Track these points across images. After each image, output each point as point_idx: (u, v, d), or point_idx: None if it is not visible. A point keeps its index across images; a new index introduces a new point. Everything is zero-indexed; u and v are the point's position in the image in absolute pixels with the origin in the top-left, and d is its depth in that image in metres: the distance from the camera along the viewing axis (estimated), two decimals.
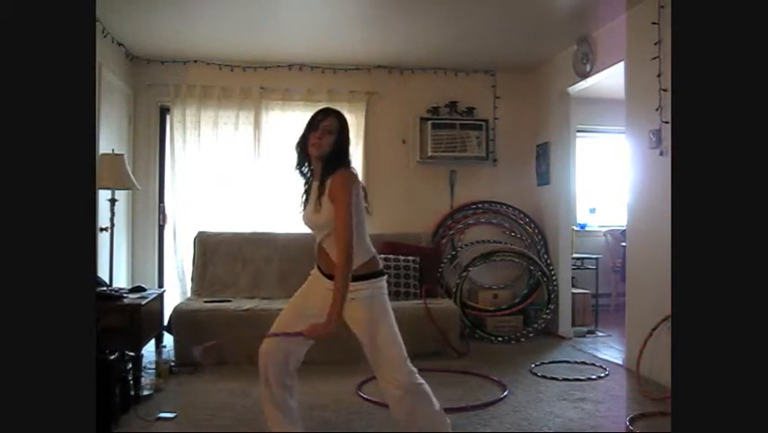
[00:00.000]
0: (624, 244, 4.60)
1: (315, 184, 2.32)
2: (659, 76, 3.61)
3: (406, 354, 2.26)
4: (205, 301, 4.28)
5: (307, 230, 4.95)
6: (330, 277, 2.27)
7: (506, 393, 3.33)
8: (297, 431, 2.41)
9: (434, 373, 3.24)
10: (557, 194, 5.16)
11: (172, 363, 3.83)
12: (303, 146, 2.35)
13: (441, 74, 5.40)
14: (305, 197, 2.40)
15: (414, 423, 2.27)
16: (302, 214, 2.40)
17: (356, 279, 2.22)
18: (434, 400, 2.28)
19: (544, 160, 5.34)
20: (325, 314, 2.14)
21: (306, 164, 2.39)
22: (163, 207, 5.17)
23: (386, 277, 2.37)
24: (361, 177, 5.64)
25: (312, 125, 2.30)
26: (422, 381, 2.26)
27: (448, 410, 2.83)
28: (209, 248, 4.73)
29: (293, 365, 2.42)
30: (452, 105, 5.37)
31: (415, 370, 2.26)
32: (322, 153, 2.27)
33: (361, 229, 2.27)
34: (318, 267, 2.41)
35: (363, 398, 3.23)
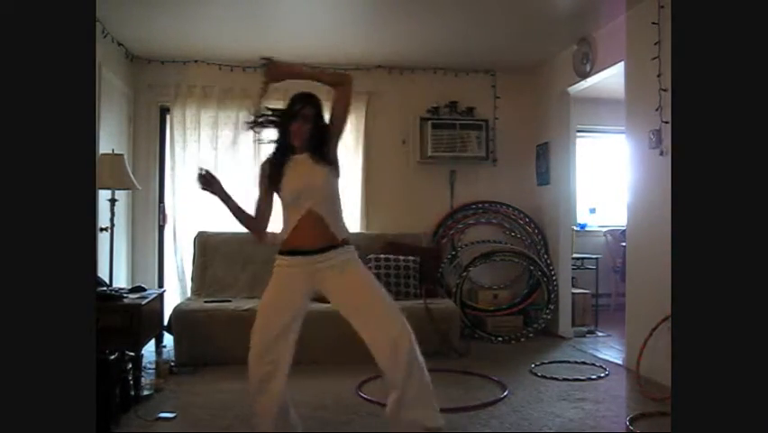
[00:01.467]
0: (624, 244, 4.60)
1: (304, 156, 2.36)
2: (659, 76, 3.61)
3: None
4: (205, 301, 4.29)
5: None
6: (318, 251, 2.30)
7: (506, 393, 3.33)
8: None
9: (435, 373, 3.22)
10: (557, 194, 5.16)
11: (172, 363, 3.83)
12: (285, 136, 2.41)
13: (441, 74, 5.40)
14: (276, 170, 2.39)
15: (412, 375, 2.23)
16: (286, 186, 2.35)
17: (338, 246, 2.32)
18: None
19: (544, 160, 5.34)
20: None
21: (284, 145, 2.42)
22: (163, 207, 5.17)
23: None
24: (360, 177, 5.61)
25: (289, 115, 2.40)
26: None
27: (448, 410, 2.84)
28: (209, 248, 4.73)
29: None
30: (452, 105, 5.37)
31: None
32: (303, 143, 2.37)
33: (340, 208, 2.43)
34: (295, 252, 2.33)
35: (363, 398, 3.23)
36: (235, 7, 3.93)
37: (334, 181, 2.40)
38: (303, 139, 2.36)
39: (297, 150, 2.38)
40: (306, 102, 2.41)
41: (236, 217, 2.50)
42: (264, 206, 2.49)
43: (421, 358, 2.27)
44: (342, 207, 2.48)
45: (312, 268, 2.32)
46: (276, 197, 2.46)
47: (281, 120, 2.42)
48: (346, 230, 2.42)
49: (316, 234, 2.31)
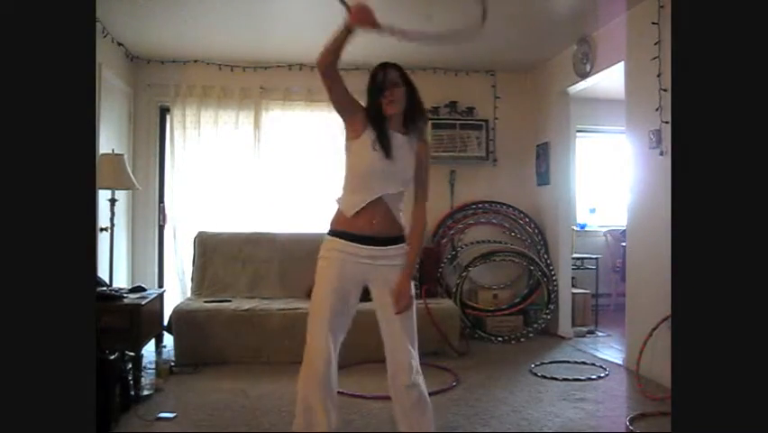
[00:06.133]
0: (624, 244, 4.60)
1: (398, 135, 2.21)
2: (659, 76, 3.61)
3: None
4: (205, 301, 4.29)
5: (306, 230, 4.97)
6: (377, 241, 2.17)
7: (454, 383, 3.48)
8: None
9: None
10: (557, 194, 5.16)
11: (172, 363, 3.83)
12: (377, 110, 2.22)
13: (441, 74, 5.40)
14: (376, 142, 2.17)
15: (416, 408, 2.20)
16: (378, 159, 2.15)
17: (401, 240, 2.24)
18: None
19: (544, 160, 5.34)
20: (394, 284, 2.15)
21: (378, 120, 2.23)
22: (163, 207, 5.17)
23: None
24: None
25: (376, 85, 2.24)
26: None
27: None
28: (209, 248, 4.73)
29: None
30: (452, 105, 5.37)
31: None
32: (399, 110, 2.22)
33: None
34: (355, 236, 2.18)
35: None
36: (235, 7, 3.93)
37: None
38: (399, 106, 2.20)
39: (391, 123, 2.22)
40: (387, 68, 2.26)
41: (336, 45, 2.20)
42: (343, 91, 2.29)
43: (425, 389, 2.23)
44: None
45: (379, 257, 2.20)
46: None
47: (369, 96, 2.27)
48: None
49: (388, 222, 2.21)
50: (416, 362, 2.20)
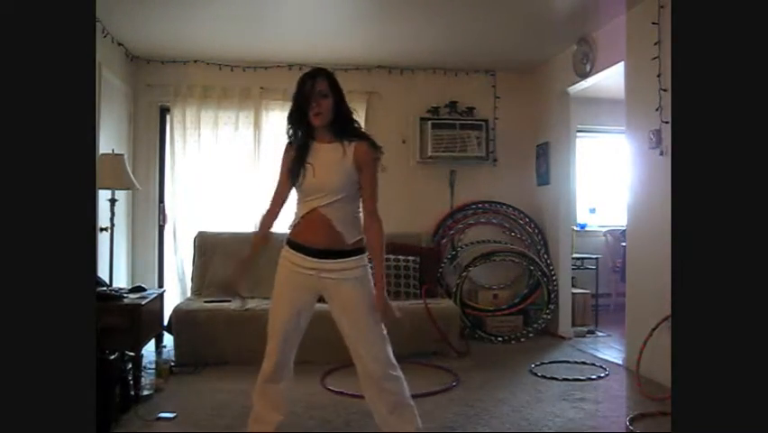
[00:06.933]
0: (624, 244, 4.60)
1: (324, 146, 2.20)
2: (659, 76, 3.61)
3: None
4: (205, 301, 4.28)
5: None
6: (324, 253, 2.18)
7: (455, 383, 3.49)
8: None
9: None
10: (557, 194, 5.16)
11: (172, 363, 3.83)
12: (301, 118, 2.22)
13: (441, 74, 5.40)
14: (299, 162, 2.22)
15: (394, 413, 2.23)
16: (304, 178, 2.20)
17: (350, 253, 2.19)
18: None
19: (544, 160, 5.34)
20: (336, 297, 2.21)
21: (302, 131, 2.26)
22: (163, 207, 5.17)
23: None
24: None
25: (303, 95, 2.18)
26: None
27: None
28: (209, 248, 4.73)
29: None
30: (452, 105, 5.37)
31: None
32: (325, 122, 2.18)
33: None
34: (300, 246, 2.23)
35: (330, 390, 3.28)
36: (235, 7, 3.93)
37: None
38: (325, 119, 2.16)
39: (318, 135, 2.22)
40: (317, 77, 2.18)
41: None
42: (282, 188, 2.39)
43: (405, 392, 2.26)
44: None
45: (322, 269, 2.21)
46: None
47: (295, 103, 2.22)
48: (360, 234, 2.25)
49: (329, 234, 2.17)
50: (383, 360, 2.20)
